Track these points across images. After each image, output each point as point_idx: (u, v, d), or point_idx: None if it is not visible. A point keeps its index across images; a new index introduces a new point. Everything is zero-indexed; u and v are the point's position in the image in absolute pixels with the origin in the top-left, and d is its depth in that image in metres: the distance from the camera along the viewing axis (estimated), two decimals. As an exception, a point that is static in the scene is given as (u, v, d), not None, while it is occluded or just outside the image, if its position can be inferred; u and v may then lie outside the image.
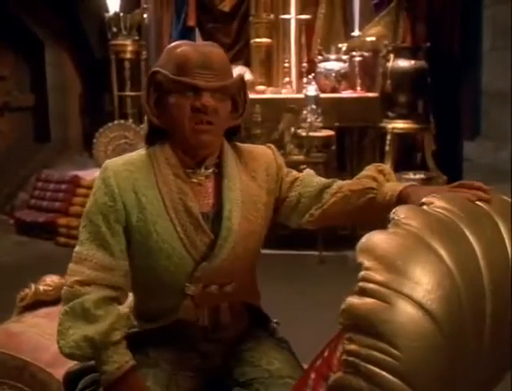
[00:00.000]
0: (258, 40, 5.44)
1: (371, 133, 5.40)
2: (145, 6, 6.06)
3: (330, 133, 5.04)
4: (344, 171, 5.19)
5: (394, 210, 1.07)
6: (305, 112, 4.93)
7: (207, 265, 1.45)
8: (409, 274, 0.96)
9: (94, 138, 5.86)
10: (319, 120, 4.91)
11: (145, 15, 6.10)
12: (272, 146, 1.64)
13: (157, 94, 1.45)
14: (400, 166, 5.50)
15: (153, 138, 1.51)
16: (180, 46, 1.45)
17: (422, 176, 5.31)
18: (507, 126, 7.28)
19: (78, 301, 1.39)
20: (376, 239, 1.00)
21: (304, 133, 4.87)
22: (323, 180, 1.58)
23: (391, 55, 5.32)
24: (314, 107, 4.90)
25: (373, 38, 5.43)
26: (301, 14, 5.56)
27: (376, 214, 1.46)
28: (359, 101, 5.33)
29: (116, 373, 1.36)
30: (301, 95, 5.12)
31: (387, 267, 0.96)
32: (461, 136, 6.01)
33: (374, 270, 0.95)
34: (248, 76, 5.82)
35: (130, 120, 6.10)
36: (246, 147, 1.61)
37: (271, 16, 5.45)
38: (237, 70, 5.97)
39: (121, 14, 5.98)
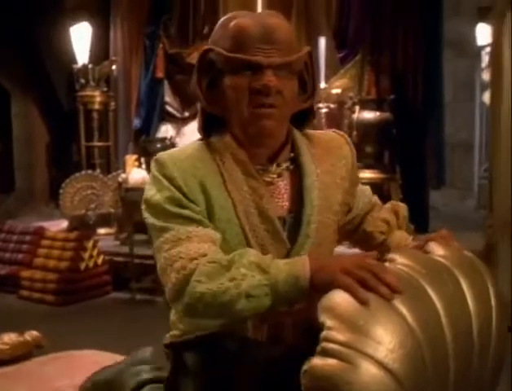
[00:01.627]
0: (225, 91, 5.50)
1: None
2: (113, 58, 6.10)
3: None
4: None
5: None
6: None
7: None
8: (371, 333, 0.95)
9: (61, 189, 5.80)
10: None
11: (114, 67, 6.14)
12: (343, 134, 1.44)
13: (210, 77, 1.25)
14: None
15: (209, 129, 1.29)
16: (236, 18, 1.23)
17: (389, 225, 5.35)
18: (471, 175, 7.49)
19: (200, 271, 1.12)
20: (338, 297, 0.99)
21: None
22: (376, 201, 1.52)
23: (357, 107, 5.43)
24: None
25: (339, 90, 5.54)
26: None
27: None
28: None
29: (304, 261, 1.08)
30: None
31: (349, 327, 0.95)
32: (426, 185, 6.11)
33: (336, 329, 0.94)
34: (216, 126, 5.87)
35: (98, 171, 6.06)
36: (317, 134, 1.40)
37: (238, 69, 5.53)
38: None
39: (90, 65, 6.01)
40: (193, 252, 1.15)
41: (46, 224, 5.65)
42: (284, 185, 1.29)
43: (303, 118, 1.35)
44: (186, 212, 1.20)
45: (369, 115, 5.43)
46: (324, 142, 1.38)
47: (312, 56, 1.30)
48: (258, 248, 1.21)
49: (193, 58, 6.03)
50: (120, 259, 5.12)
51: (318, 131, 1.42)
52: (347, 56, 5.77)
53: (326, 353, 0.94)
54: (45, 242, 5.35)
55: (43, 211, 6.63)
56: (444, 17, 6.21)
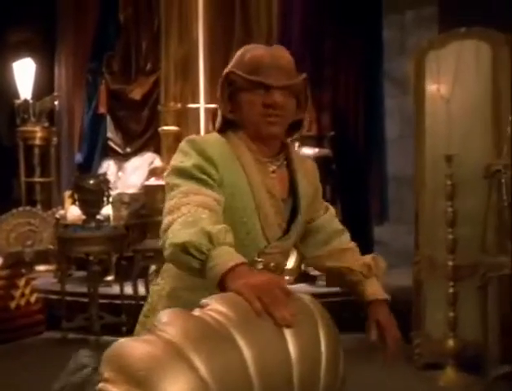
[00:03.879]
0: (165, 127, 5.51)
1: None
2: (55, 93, 6.08)
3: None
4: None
5: (158, 317, 1.04)
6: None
7: (279, 245, 1.59)
8: (153, 385, 0.92)
9: (-4, 225, 5.69)
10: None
11: (56, 102, 6.11)
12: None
13: (230, 91, 1.59)
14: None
15: (225, 128, 1.62)
16: (253, 50, 1.60)
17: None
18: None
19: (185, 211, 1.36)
20: (123, 347, 0.96)
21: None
22: (339, 226, 1.79)
23: (296, 144, 5.47)
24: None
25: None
26: (209, 103, 5.69)
27: (348, 289, 1.72)
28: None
29: (234, 260, 1.24)
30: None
31: (128, 378, 0.92)
32: (369, 221, 6.15)
33: (112, 381, 0.91)
34: (158, 162, 5.86)
35: (39, 207, 5.98)
36: (297, 153, 1.77)
37: (179, 105, 5.56)
38: (146, 157, 6.03)
39: (31, 101, 5.97)
40: (194, 202, 1.39)
41: (-19, 261, 5.51)
42: (281, 173, 1.63)
43: (296, 126, 1.69)
44: (204, 177, 1.48)
45: (309, 151, 5.48)
46: (301, 156, 1.79)
47: (306, 82, 1.63)
48: (264, 219, 1.56)
49: (136, 94, 6.05)
50: (54, 297, 5.01)
51: (298, 152, 1.85)
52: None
53: (102, 407, 0.90)
54: (-23, 280, 5.21)
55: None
56: (390, 55, 6.32)
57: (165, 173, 1.57)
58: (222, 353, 1.02)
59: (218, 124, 1.66)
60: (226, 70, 1.61)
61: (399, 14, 6.22)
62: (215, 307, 1.11)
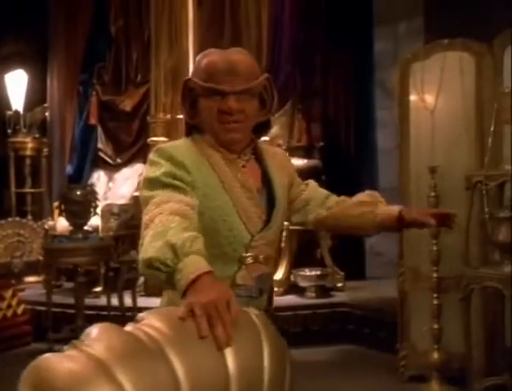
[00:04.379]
0: (154, 138, 5.51)
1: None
2: (45, 104, 6.09)
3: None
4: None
5: (85, 331, 1.03)
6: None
7: (263, 236, 1.60)
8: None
9: (-16, 236, 5.69)
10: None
11: (47, 113, 6.12)
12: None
13: (192, 98, 1.62)
14: (300, 262, 5.53)
15: (190, 131, 1.66)
16: (208, 55, 1.61)
17: (318, 272, 5.34)
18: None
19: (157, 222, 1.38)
20: (44, 362, 0.94)
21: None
22: (326, 191, 1.84)
23: (286, 154, 5.46)
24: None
25: (268, 138, 5.57)
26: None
27: (367, 231, 1.77)
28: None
29: (196, 272, 1.25)
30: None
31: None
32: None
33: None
34: (148, 173, 5.85)
35: (29, 217, 5.97)
36: (265, 144, 1.79)
37: (168, 116, 5.56)
38: (136, 168, 6.02)
39: (22, 112, 5.98)
40: (166, 211, 1.40)
41: (-30, 273, 5.51)
42: (251, 167, 1.65)
43: (262, 127, 1.71)
44: (176, 182, 1.49)
45: (298, 162, 5.46)
46: (270, 149, 1.78)
47: (270, 80, 1.65)
48: (242, 212, 1.57)
49: (126, 105, 6.06)
50: (42, 308, 4.99)
51: (266, 145, 1.78)
52: (278, 104, 5.82)
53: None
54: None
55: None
56: (382, 66, 6.31)
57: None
58: (151, 370, 1.00)
59: (185, 129, 1.70)
60: (185, 78, 1.65)
61: (391, 24, 6.23)
62: (150, 322, 1.10)
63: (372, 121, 6.18)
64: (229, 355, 1.15)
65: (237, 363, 1.16)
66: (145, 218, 1.42)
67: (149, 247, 1.33)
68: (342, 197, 1.84)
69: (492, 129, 3.34)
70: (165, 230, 1.34)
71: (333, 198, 1.82)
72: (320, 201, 1.80)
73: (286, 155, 1.85)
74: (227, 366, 1.14)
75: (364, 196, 1.80)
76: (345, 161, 6.02)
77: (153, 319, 1.10)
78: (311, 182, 1.88)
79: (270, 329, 1.28)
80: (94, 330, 1.02)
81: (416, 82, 3.89)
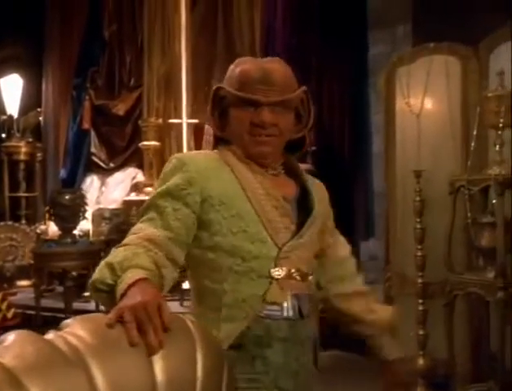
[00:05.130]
0: (146, 143, 5.52)
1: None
2: (39, 109, 6.11)
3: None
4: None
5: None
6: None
7: (292, 247, 1.45)
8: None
9: (-24, 241, 5.69)
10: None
11: (41, 118, 6.14)
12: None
13: (222, 108, 1.51)
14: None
15: (218, 144, 1.55)
16: (242, 63, 1.50)
17: (310, 277, 5.31)
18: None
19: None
20: None
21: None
22: (354, 268, 1.68)
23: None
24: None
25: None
26: (192, 118, 5.69)
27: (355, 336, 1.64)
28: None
29: (129, 281, 1.22)
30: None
31: None
32: (354, 236, 6.10)
33: None
34: (140, 177, 5.86)
35: (23, 222, 5.98)
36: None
37: (160, 120, 5.57)
38: (129, 172, 6.03)
39: (17, 116, 6.00)
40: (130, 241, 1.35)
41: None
42: (282, 179, 1.51)
43: (298, 144, 1.59)
44: (166, 204, 1.39)
45: (290, 166, 5.44)
46: (310, 176, 1.61)
47: (308, 94, 1.54)
48: (267, 223, 1.43)
49: (119, 109, 6.07)
50: (32, 312, 4.99)
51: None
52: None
53: None
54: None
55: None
56: (377, 70, 6.26)
57: None
58: (64, 379, 0.98)
59: (213, 142, 1.58)
60: (216, 85, 1.54)
61: (387, 28, 6.20)
62: (73, 330, 1.08)
63: (366, 126, 6.15)
64: (158, 363, 1.13)
65: (167, 372, 1.14)
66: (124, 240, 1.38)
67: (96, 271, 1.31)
68: (363, 289, 1.67)
69: (474, 133, 3.30)
70: (118, 252, 1.31)
71: (355, 283, 1.66)
72: (342, 274, 1.65)
73: (324, 187, 1.64)
74: (155, 375, 1.12)
75: (385, 314, 1.68)
76: (339, 166, 6.00)
77: (77, 327, 1.08)
78: (347, 246, 1.71)
79: (207, 337, 1.26)
80: (8, 337, 1.00)
81: (402, 86, 3.85)
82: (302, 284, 1.47)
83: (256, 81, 1.44)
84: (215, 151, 1.54)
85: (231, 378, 1.28)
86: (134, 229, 1.40)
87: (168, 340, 1.17)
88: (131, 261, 1.27)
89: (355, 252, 5.44)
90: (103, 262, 1.29)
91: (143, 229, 1.38)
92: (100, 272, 1.28)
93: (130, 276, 1.23)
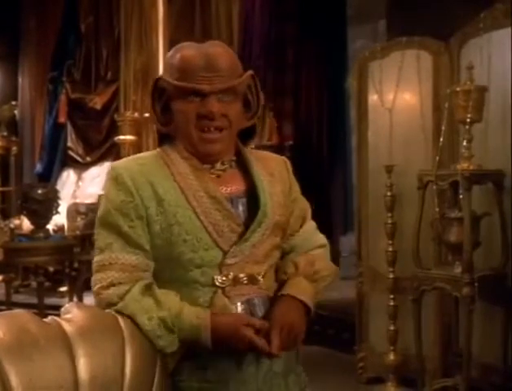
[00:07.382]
0: (122, 137, 5.47)
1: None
2: (13, 102, 6.04)
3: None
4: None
5: None
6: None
7: (237, 251, 1.34)
8: None
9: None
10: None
11: (16, 111, 6.08)
12: (286, 159, 1.55)
13: (163, 102, 1.38)
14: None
15: (163, 141, 1.44)
16: (182, 50, 1.36)
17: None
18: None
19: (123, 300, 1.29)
20: None
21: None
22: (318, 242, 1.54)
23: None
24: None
25: (236, 137, 5.54)
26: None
27: None
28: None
29: (205, 322, 1.28)
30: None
31: None
32: (332, 230, 6.09)
33: None
34: (116, 172, 5.81)
35: (-1, 216, 5.92)
36: (259, 152, 1.54)
37: (136, 115, 5.52)
38: (105, 166, 5.97)
39: (-11, 110, 5.94)
40: (106, 282, 1.30)
41: None
42: (230, 174, 1.40)
43: (247, 133, 1.47)
44: (125, 228, 1.31)
45: (267, 161, 5.43)
46: (264, 156, 1.50)
47: (255, 78, 1.41)
48: (211, 227, 1.33)
49: (96, 103, 6.01)
50: (2, 308, 4.94)
51: (260, 151, 1.54)
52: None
53: None
54: None
55: None
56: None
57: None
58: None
59: (157, 140, 1.46)
60: (156, 77, 1.42)
61: (366, 22, 6.18)
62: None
63: (345, 120, 6.14)
64: (81, 362, 1.12)
65: (91, 370, 1.13)
66: (96, 259, 1.34)
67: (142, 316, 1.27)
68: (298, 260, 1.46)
69: (443, 128, 3.28)
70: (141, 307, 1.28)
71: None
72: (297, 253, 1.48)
73: (281, 162, 1.51)
74: (78, 373, 1.11)
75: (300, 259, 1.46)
76: (317, 160, 5.99)
77: (-8, 326, 1.06)
78: (307, 224, 1.54)
79: (137, 336, 1.25)
80: None
81: (374, 81, 3.84)
82: (253, 287, 1.37)
83: (199, 69, 1.32)
84: (158, 150, 1.43)
85: (163, 378, 1.26)
86: (106, 259, 1.33)
87: (95, 338, 1.16)
88: (171, 316, 1.29)
89: (335, 248, 5.41)
90: (156, 316, 1.27)
91: (119, 258, 1.32)
92: (160, 329, 1.27)
93: (197, 322, 1.28)
